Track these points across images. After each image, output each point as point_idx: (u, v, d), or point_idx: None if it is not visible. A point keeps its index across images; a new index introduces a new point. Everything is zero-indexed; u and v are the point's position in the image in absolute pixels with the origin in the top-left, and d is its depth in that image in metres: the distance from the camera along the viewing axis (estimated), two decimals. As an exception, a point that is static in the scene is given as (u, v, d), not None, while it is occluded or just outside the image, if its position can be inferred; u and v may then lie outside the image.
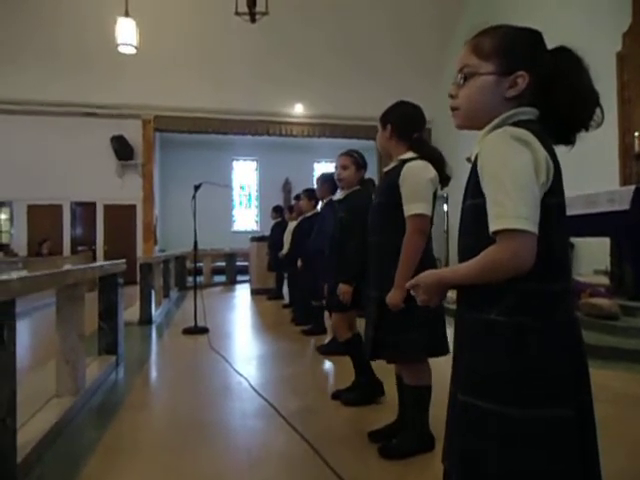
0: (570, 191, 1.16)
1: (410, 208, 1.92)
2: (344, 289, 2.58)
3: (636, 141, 5.53)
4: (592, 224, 4.62)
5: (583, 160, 4.84)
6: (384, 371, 2.62)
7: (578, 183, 3.48)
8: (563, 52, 0.99)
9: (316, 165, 15.36)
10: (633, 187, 4.40)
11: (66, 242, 10.86)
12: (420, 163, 1.96)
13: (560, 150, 0.99)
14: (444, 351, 1.99)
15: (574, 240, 6.48)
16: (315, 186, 4.39)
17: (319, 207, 4.79)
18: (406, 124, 2.05)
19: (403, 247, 1.90)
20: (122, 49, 7.26)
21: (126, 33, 7.02)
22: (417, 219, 1.91)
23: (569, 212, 1.02)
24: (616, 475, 1.73)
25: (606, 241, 4.99)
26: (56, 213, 10.75)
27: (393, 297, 1.88)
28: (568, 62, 0.98)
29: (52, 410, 2.52)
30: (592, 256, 6.05)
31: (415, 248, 1.90)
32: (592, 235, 5.01)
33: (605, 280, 4.99)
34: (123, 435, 2.43)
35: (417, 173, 1.93)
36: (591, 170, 6.11)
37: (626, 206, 4.30)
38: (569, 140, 1.02)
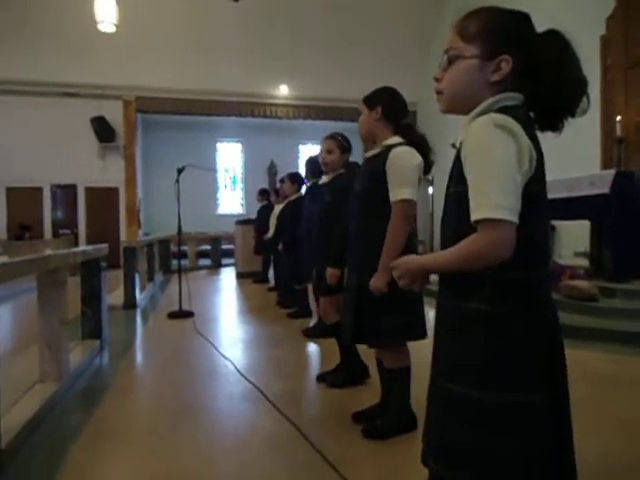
0: (552, 175, 1.15)
1: (397, 193, 1.92)
2: (332, 272, 2.59)
3: (618, 125, 5.58)
4: (573, 207, 4.68)
5: (565, 144, 4.85)
6: (370, 353, 2.65)
7: (560, 167, 3.52)
8: (551, 35, 0.96)
9: (301, 147, 15.23)
10: (613, 171, 4.47)
11: (47, 225, 10.68)
12: (406, 149, 1.96)
13: (544, 134, 0.99)
14: (422, 335, 2.03)
15: (555, 223, 6.57)
16: (300, 169, 4.37)
17: (303, 190, 4.77)
18: (396, 108, 2.06)
19: (389, 232, 1.91)
20: (101, 27, 7.05)
21: (105, 10, 6.82)
22: (404, 204, 1.92)
23: (551, 196, 1.02)
24: (592, 455, 1.79)
25: (586, 224, 5.07)
26: (36, 196, 10.53)
27: (377, 281, 1.90)
28: (555, 46, 0.95)
29: (36, 395, 2.50)
30: (573, 239, 6.15)
31: (401, 233, 1.91)
32: (573, 218, 5.07)
33: (585, 262, 5.08)
34: (109, 419, 2.43)
35: (404, 158, 1.94)
36: (573, 154, 6.17)
37: (606, 190, 4.37)
38: (555, 126, 1.00)
